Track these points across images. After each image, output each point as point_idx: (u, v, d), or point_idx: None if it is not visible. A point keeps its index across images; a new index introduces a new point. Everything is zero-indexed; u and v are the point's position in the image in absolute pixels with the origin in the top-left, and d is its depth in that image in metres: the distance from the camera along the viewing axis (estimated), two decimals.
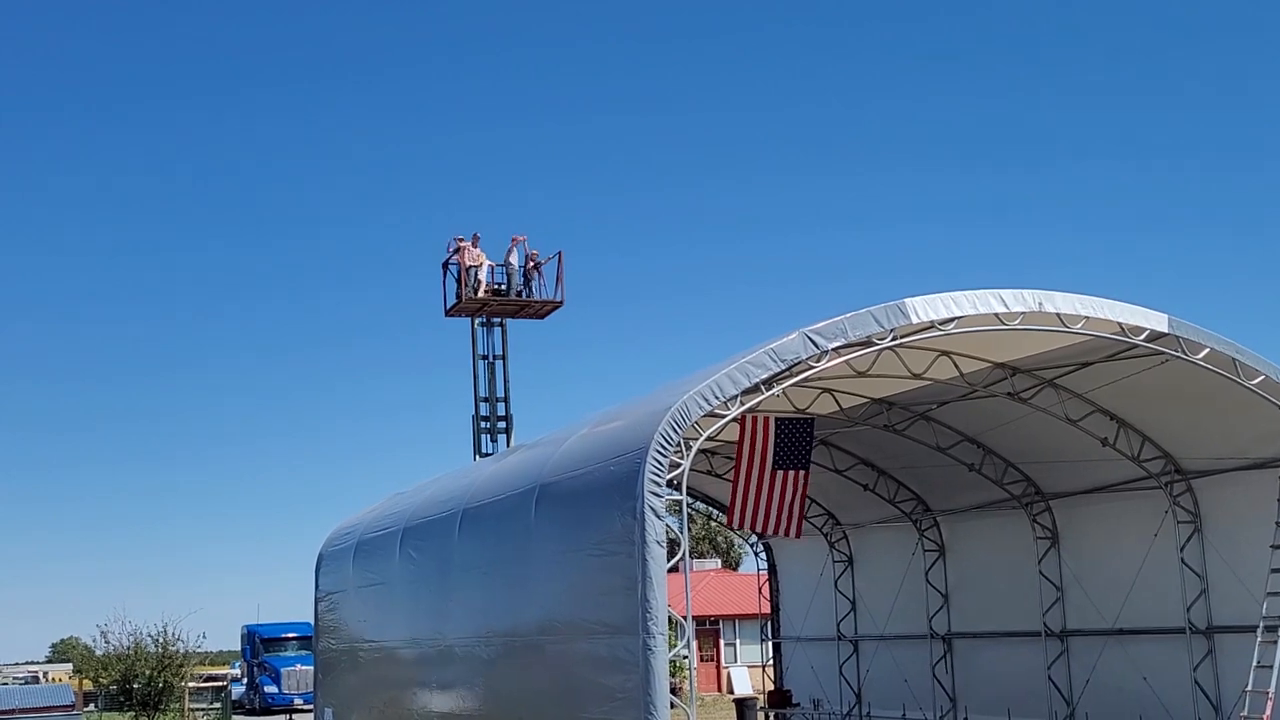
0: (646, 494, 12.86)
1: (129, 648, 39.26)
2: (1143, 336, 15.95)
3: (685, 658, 14.20)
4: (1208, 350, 16.27)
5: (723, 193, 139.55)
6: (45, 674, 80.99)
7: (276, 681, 46.37)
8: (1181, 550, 19.49)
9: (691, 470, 13.69)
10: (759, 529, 18.47)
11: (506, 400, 30.89)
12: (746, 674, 44.97)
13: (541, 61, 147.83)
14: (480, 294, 30.09)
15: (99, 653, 41.32)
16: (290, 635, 47.97)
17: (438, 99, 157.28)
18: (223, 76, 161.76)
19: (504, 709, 16.82)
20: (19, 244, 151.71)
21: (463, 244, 30.21)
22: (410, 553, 20.51)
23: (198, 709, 42.00)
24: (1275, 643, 17.06)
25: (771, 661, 29.45)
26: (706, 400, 13.48)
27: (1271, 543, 17.66)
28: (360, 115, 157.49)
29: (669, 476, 13.11)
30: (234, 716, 43.23)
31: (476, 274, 30.08)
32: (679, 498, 13.46)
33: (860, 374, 16.96)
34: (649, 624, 12.65)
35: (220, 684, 46.53)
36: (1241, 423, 17.74)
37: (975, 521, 23.74)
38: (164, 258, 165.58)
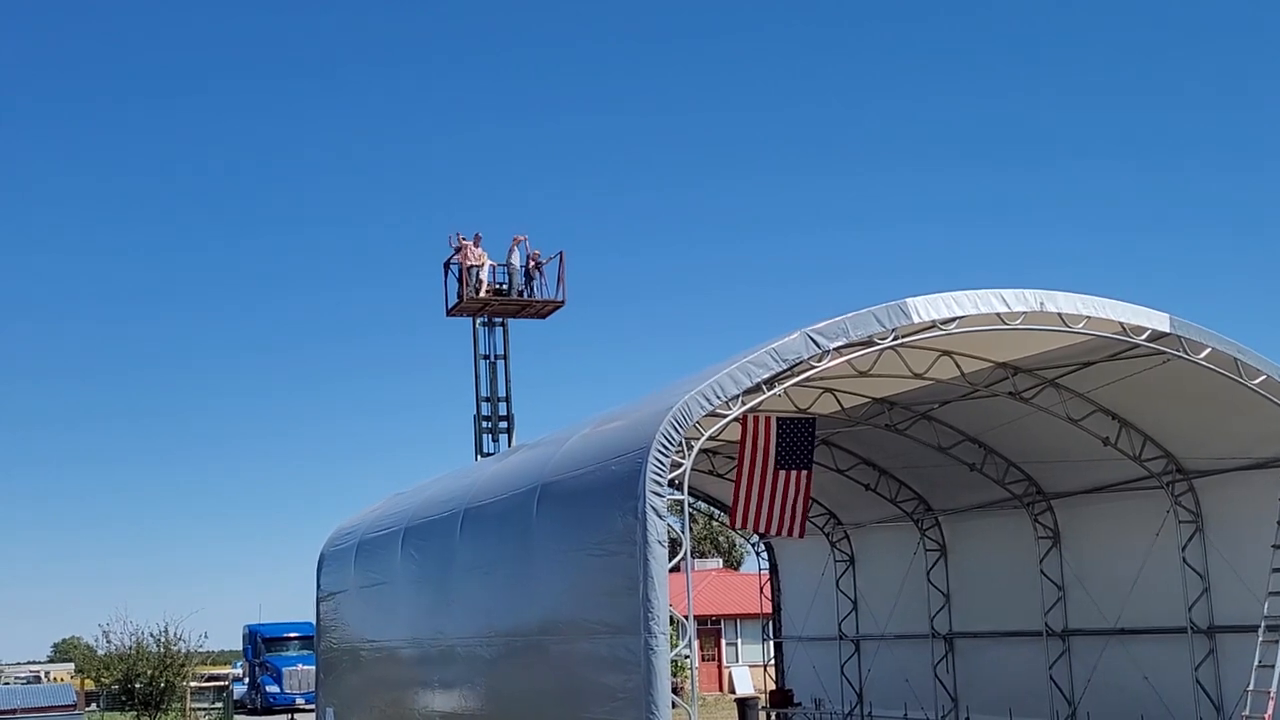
0: (648, 494, 12.86)
1: (131, 647, 39.27)
2: (1144, 336, 15.95)
3: (687, 657, 14.24)
4: (1209, 350, 16.27)
5: (723, 193, 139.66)
6: (47, 674, 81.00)
7: (278, 681, 46.37)
8: (1183, 550, 19.49)
9: (693, 470, 13.70)
10: (762, 529, 18.46)
11: (508, 400, 30.91)
12: (748, 674, 44.95)
13: (541, 61, 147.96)
14: (482, 294, 30.11)
15: (101, 652, 41.33)
16: (292, 635, 47.97)
17: (438, 99, 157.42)
18: (223, 76, 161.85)
19: (505, 709, 16.83)
20: (19, 244, 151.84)
21: (464, 242, 30.24)
22: (412, 552, 20.52)
23: (199, 709, 42.05)
24: (1277, 642, 17.05)
25: (773, 661, 29.45)
26: (708, 400, 13.49)
27: (1273, 542, 17.65)
28: (360, 115, 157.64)
29: (670, 476, 13.11)
30: (236, 716, 43.25)
31: (478, 274, 30.09)
32: (680, 497, 13.46)
33: (862, 374, 16.96)
34: (650, 624, 12.66)
35: (222, 684, 46.51)
36: (1243, 422, 17.74)
37: (977, 521, 23.74)
38: (164, 258, 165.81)
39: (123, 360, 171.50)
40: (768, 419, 17.47)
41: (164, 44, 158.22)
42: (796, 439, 17.69)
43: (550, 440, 18.16)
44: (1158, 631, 20.06)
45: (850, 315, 14.41)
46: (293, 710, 43.51)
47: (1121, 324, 15.81)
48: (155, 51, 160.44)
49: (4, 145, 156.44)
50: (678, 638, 13.60)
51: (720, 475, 23.35)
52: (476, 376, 30.92)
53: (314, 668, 28.52)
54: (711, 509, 29.11)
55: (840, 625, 27.03)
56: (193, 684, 42.18)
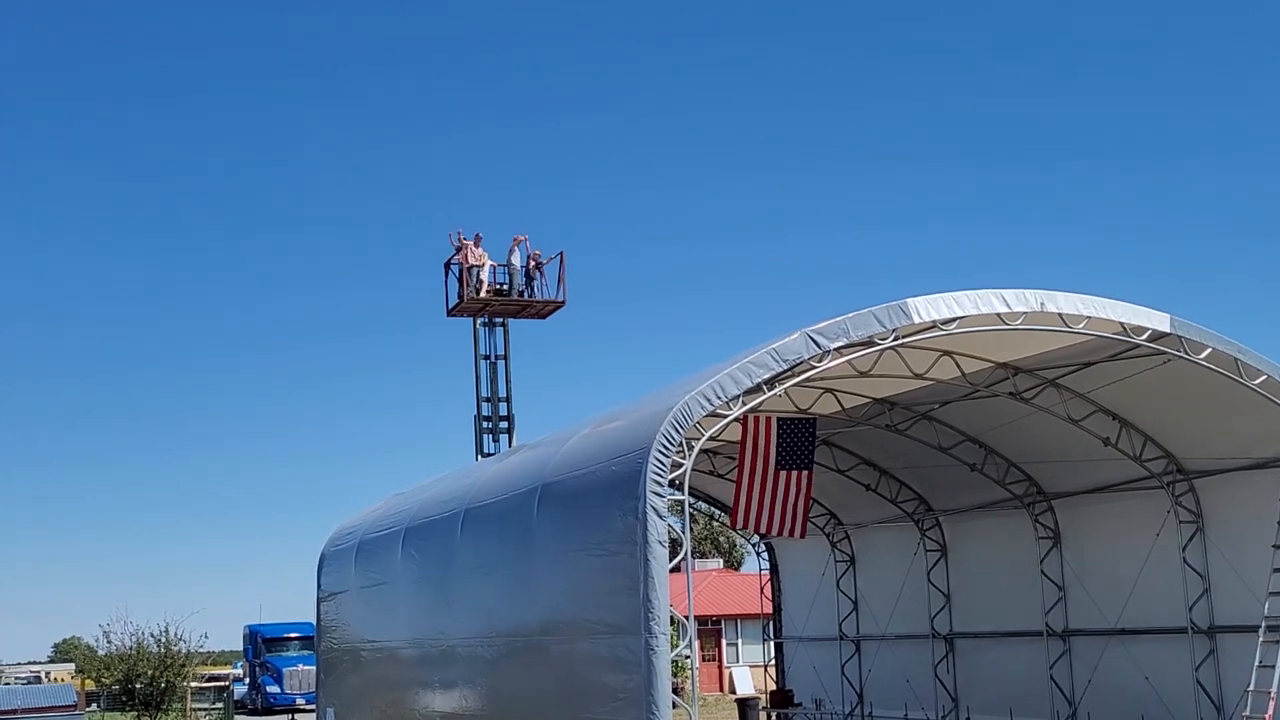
0: (648, 494, 12.86)
1: (131, 648, 39.30)
2: (1145, 336, 15.95)
3: (687, 658, 14.24)
4: (1210, 350, 16.27)
5: (723, 193, 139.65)
6: (47, 674, 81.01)
7: (279, 681, 46.37)
8: (1183, 550, 19.49)
9: (693, 470, 13.70)
10: (763, 530, 18.46)
11: (508, 400, 30.92)
12: (748, 674, 44.94)
13: (541, 61, 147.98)
14: (482, 294, 30.13)
15: (101, 653, 41.36)
16: (292, 635, 47.98)
17: (438, 99, 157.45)
18: (223, 76, 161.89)
19: (506, 709, 16.83)
20: (19, 244, 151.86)
21: (465, 241, 30.25)
22: (412, 553, 20.52)
23: (200, 709, 42.04)
24: (1278, 642, 17.06)
25: (773, 661, 29.45)
26: (708, 400, 13.49)
27: (1273, 542, 17.65)
28: (360, 115, 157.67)
29: (671, 476, 13.11)
30: (236, 716, 43.25)
31: (478, 274, 30.11)
32: (681, 498, 13.47)
33: (862, 374, 16.97)
34: (651, 624, 12.66)
35: (222, 684, 46.51)
36: (1243, 423, 17.74)
37: (977, 521, 23.74)
38: (164, 258, 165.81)
39: (123, 360, 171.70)
40: (768, 419, 17.47)
41: (164, 44, 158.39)
42: (797, 439, 17.69)
43: (550, 440, 18.16)
44: (1158, 632, 20.06)
45: (850, 315, 14.41)
46: (293, 710, 43.50)
47: (1122, 324, 15.81)
48: (155, 51, 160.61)
49: (4, 145, 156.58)
50: (678, 638, 13.60)
51: (721, 475, 23.36)
52: (477, 377, 30.95)
53: (314, 668, 28.52)
54: (712, 509, 29.12)
55: (841, 625, 27.03)
56: (193, 684, 42.19)
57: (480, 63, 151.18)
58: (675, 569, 13.34)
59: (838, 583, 27.10)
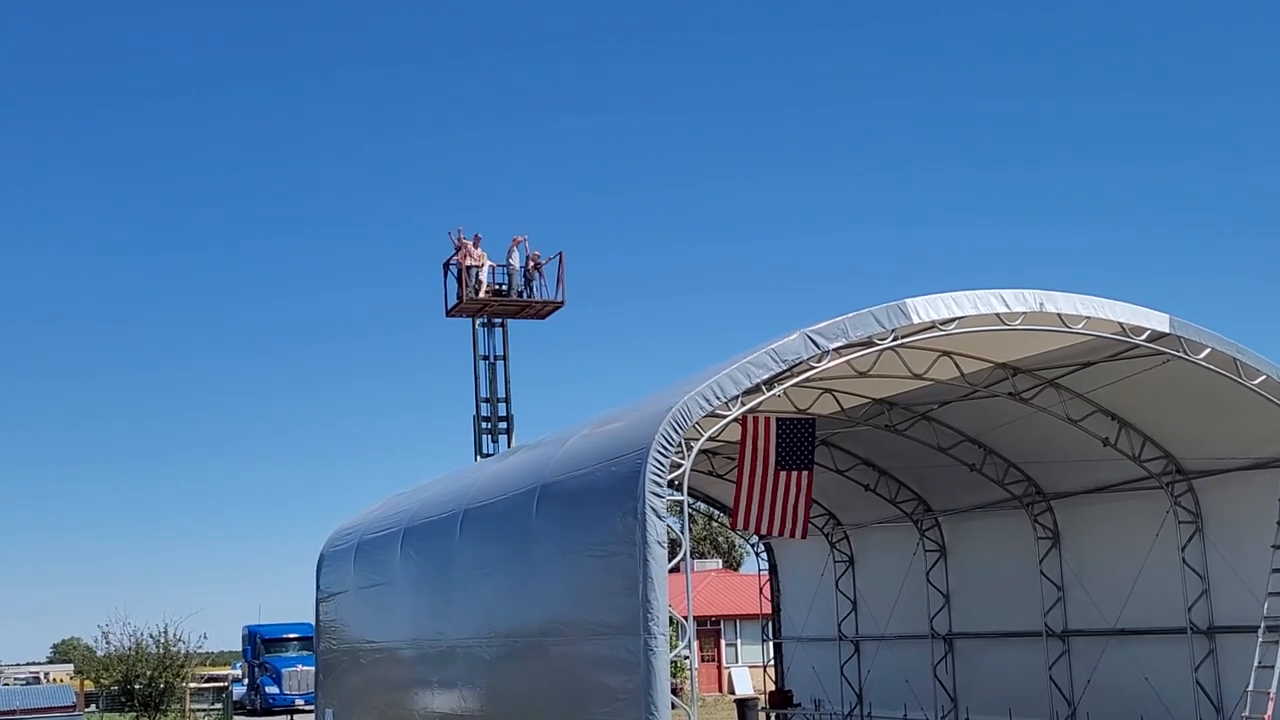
0: (648, 494, 12.86)
1: (130, 648, 39.27)
2: (1144, 336, 15.95)
3: (686, 658, 14.22)
4: (1209, 350, 16.27)
5: (723, 193, 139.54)
6: (46, 674, 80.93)
7: (278, 682, 46.37)
8: (1183, 550, 19.49)
9: (692, 471, 13.69)
10: (764, 530, 18.45)
11: (507, 400, 30.93)
12: (748, 674, 44.96)
13: (541, 61, 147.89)
14: (481, 294, 30.15)
15: (100, 653, 41.32)
16: (291, 636, 47.98)
17: (438, 99, 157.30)
18: (222, 76, 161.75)
19: (505, 710, 16.82)
20: (19, 244, 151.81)
21: (464, 241, 30.26)
22: (411, 553, 20.52)
23: (199, 710, 41.99)
24: (1277, 643, 17.06)
25: (773, 662, 29.46)
26: (707, 400, 13.49)
27: (1273, 542, 17.66)
28: (360, 115, 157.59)
29: (670, 477, 13.11)
30: (235, 717, 43.22)
31: (477, 274, 30.14)
32: (680, 498, 13.46)
33: (861, 374, 16.97)
34: (650, 624, 12.66)
35: (221, 684, 46.45)
36: (1243, 423, 17.74)
37: (976, 521, 23.74)
38: (164, 258, 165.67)
39: (123, 360, 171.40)
40: (767, 420, 17.47)
41: (164, 44, 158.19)
42: (796, 439, 17.69)
43: (550, 441, 18.16)
44: (1158, 632, 20.06)
45: (850, 316, 14.41)
46: (292, 711, 43.51)
47: (1121, 324, 15.81)
48: (155, 51, 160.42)
49: (4, 145, 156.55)
50: (677, 638, 13.59)
51: (720, 476, 23.35)
52: (476, 377, 30.96)
53: (313, 668, 28.53)
54: (711, 510, 29.17)
55: (840, 626, 27.03)
56: (192, 685, 42.14)
57: (480, 63, 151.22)
58: (674, 569, 13.33)
59: (837, 583, 27.11)
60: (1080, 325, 15.68)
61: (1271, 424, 17.24)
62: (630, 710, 12.86)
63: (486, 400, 30.79)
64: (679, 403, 13.28)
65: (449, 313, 30.75)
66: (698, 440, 13.69)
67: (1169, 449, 19.42)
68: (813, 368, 14.32)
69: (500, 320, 31.26)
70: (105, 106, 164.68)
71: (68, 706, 33.39)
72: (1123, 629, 20.72)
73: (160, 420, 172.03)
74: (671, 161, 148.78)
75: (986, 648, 23.77)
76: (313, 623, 27.34)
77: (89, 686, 43.97)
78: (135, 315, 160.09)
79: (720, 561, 61.83)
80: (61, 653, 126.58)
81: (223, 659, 74.53)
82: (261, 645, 48.54)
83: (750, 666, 43.88)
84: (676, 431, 13.16)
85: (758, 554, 30.39)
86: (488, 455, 29.55)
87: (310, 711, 37.14)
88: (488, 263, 30.35)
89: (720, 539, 68.20)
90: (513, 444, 29.74)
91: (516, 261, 30.65)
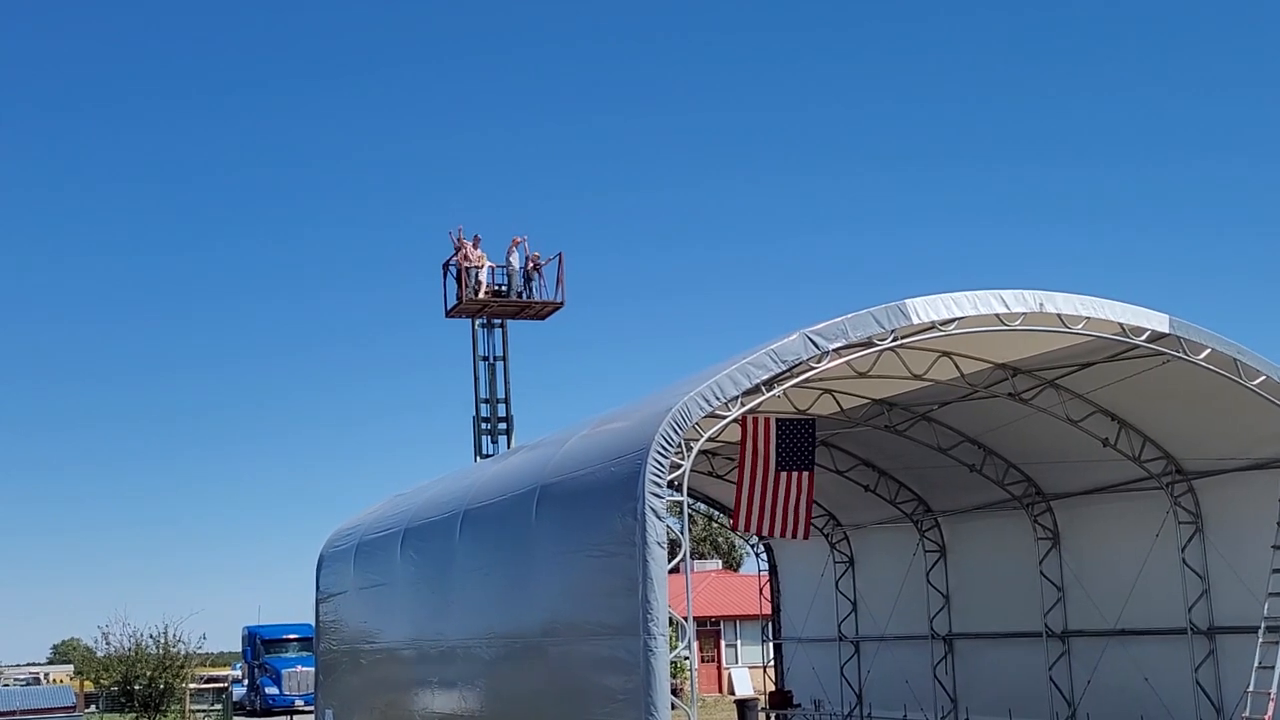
0: (647, 495, 12.85)
1: (130, 649, 39.22)
2: (1144, 337, 15.95)
3: (686, 659, 14.22)
4: (1209, 351, 16.26)
5: (723, 193, 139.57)
6: (46, 675, 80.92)
7: (277, 683, 46.37)
8: (1183, 551, 19.49)
9: (692, 471, 13.69)
10: (765, 531, 18.44)
11: (507, 401, 30.91)
12: (747, 675, 44.96)
13: (541, 61, 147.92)
14: (481, 295, 30.12)
15: (100, 654, 41.26)
16: (291, 636, 47.98)
17: (438, 99, 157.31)
18: (223, 76, 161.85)
19: (505, 710, 16.82)
20: (19, 244, 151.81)
21: (464, 241, 30.25)
22: (411, 554, 20.51)
23: (198, 710, 41.97)
24: (1277, 643, 17.06)
25: (772, 662, 29.45)
26: (707, 401, 13.48)
27: (1273, 543, 17.67)
28: (360, 115, 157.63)
29: (670, 477, 13.10)
30: (235, 718, 43.21)
31: (477, 275, 30.11)
32: (680, 499, 13.46)
33: (861, 375, 16.96)
34: (650, 625, 12.65)
35: (221, 685, 46.45)
36: (1242, 423, 17.74)
37: (976, 522, 23.74)
38: (165, 258, 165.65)
39: (122, 361, 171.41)
40: (767, 420, 17.46)
41: (166, 44, 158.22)
42: (796, 440, 17.69)
43: (550, 441, 18.16)
44: (1158, 632, 20.06)
45: (849, 316, 14.41)
46: (292, 712, 43.51)
47: (1121, 324, 15.81)
48: (156, 52, 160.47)
49: (4, 145, 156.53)
50: (677, 639, 13.59)
51: (720, 476, 23.35)
52: (476, 378, 30.93)
53: (313, 669, 28.52)
54: (711, 510, 29.16)
55: (840, 626, 27.02)
56: (192, 686, 42.12)
57: (480, 63, 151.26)
58: (674, 570, 13.33)
59: (837, 584, 27.10)
60: (1080, 326, 15.67)
61: (1271, 424, 17.24)
62: (630, 711, 12.85)
63: (486, 401, 30.77)
64: (679, 403, 13.27)
65: (449, 313, 30.73)
66: (697, 441, 13.69)
67: (1169, 449, 19.42)
68: (812, 368, 14.31)
69: (500, 321, 31.24)
70: (106, 107, 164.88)
71: (68, 707, 33.44)
72: (1123, 629, 20.72)
73: (160, 420, 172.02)
74: (671, 161, 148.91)
75: (986, 648, 23.77)
76: (312, 623, 27.33)
77: (89, 687, 43.96)
78: (135, 315, 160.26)
79: (720, 562, 61.86)
80: (61, 653, 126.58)
81: (222, 660, 74.52)
82: (261, 646, 48.53)
83: (750, 667, 43.89)
84: (676, 432, 13.15)
85: (757, 554, 30.40)
86: (487, 456, 29.54)
87: (310, 712, 37.12)
88: (487, 263, 30.33)
89: (720, 539, 68.21)
90: (512, 444, 29.72)
91: (516, 262, 30.63)
